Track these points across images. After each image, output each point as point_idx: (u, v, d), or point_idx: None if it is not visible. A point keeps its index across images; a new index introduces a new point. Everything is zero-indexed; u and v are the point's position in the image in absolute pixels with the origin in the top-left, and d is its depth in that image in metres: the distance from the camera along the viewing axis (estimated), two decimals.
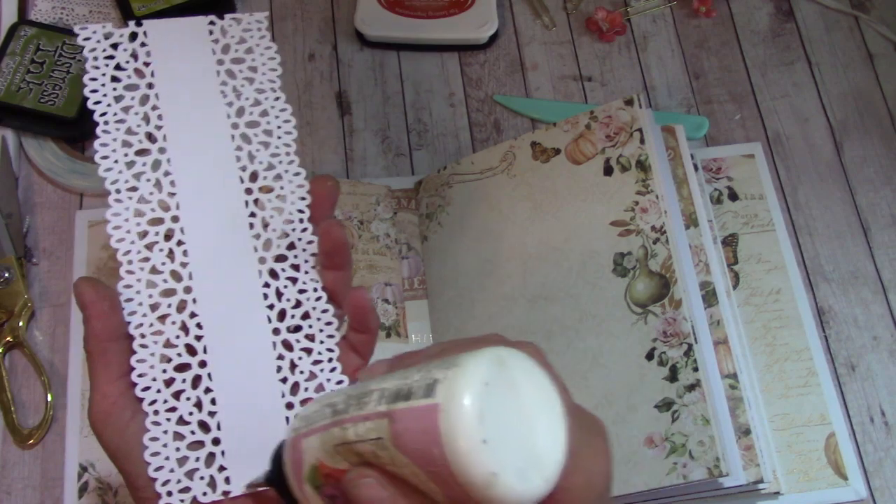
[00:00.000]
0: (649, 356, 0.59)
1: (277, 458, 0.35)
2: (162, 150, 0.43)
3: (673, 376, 0.58)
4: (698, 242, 0.63)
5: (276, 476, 0.35)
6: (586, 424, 0.32)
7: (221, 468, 0.40)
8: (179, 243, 0.41)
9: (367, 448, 0.30)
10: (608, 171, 0.64)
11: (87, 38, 0.45)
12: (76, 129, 0.72)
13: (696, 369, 0.57)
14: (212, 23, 0.46)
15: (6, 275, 0.67)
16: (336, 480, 0.31)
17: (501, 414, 0.27)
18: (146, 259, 0.41)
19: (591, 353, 0.60)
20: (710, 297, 0.62)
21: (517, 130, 0.75)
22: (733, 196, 0.71)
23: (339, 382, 0.42)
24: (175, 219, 0.42)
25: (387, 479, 0.30)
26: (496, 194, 0.68)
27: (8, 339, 0.66)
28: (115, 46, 0.44)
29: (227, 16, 0.46)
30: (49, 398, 0.64)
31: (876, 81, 0.77)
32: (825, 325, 0.68)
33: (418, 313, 0.68)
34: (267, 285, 0.42)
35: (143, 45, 0.45)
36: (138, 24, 0.45)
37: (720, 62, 0.78)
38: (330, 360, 0.42)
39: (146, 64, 0.44)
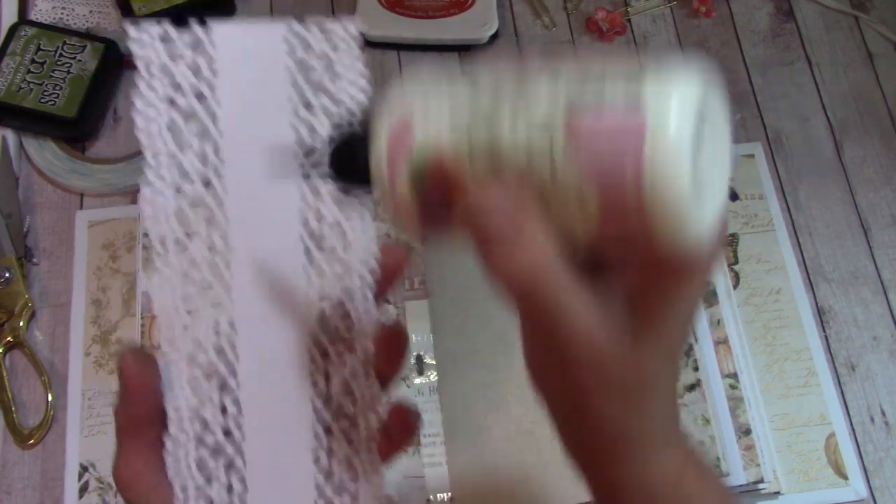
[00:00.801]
0: None
1: (357, 136, 0.29)
2: (219, 203, 0.36)
3: None
4: None
5: (347, 148, 0.30)
6: None
7: None
8: (227, 317, 0.37)
9: (520, 155, 0.26)
10: None
11: (140, 44, 0.37)
12: (76, 129, 0.72)
13: (696, 369, 0.57)
14: (292, 31, 0.38)
15: (6, 275, 0.67)
16: (452, 186, 0.27)
17: (703, 149, 0.25)
18: (188, 328, 0.37)
19: None
20: (710, 296, 0.62)
21: None
22: (733, 196, 0.71)
23: (375, 467, 0.39)
24: (227, 287, 0.37)
25: (530, 196, 0.26)
26: None
27: (8, 339, 0.66)
28: (173, 56, 0.36)
29: (312, 21, 0.37)
30: (49, 398, 0.64)
31: (876, 81, 0.77)
32: (825, 325, 0.68)
33: (418, 313, 0.68)
34: (315, 365, 0.38)
35: (207, 56, 0.37)
36: (202, 21, 0.36)
37: (720, 62, 0.78)
38: (369, 443, 0.40)
39: (209, 83, 0.37)
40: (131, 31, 0.36)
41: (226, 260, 0.37)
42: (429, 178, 0.27)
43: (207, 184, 0.36)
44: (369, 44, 0.79)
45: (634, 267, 0.30)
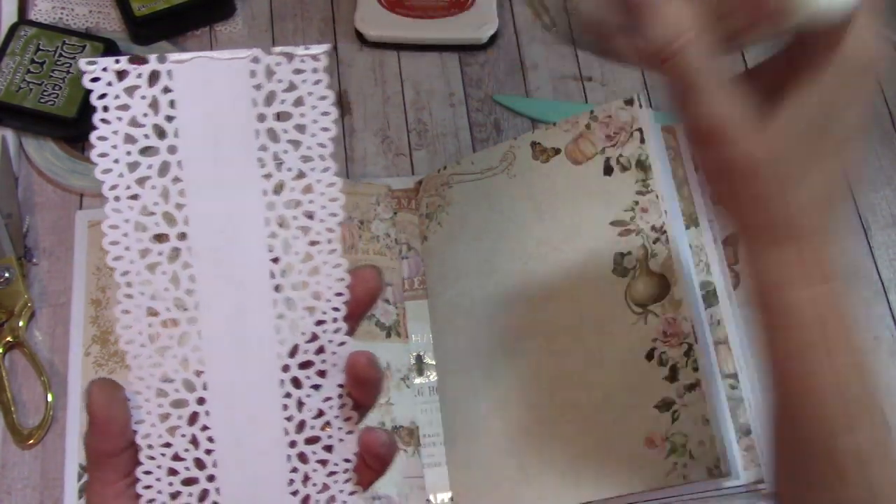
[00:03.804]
0: (649, 356, 0.59)
1: None
2: (182, 236, 0.37)
3: (673, 376, 0.58)
4: (698, 242, 0.63)
5: None
6: None
7: None
8: (195, 349, 0.37)
9: None
10: (608, 170, 0.64)
11: (94, 80, 0.36)
12: (76, 129, 0.72)
13: (696, 369, 0.57)
14: (255, 60, 0.37)
15: (6, 275, 0.67)
16: None
17: None
18: (157, 365, 0.37)
19: (591, 353, 0.60)
20: (710, 297, 0.62)
21: (517, 130, 0.75)
22: None
23: (353, 493, 0.39)
24: (192, 320, 0.37)
25: None
26: (496, 194, 0.68)
27: (8, 339, 0.66)
28: (130, 92, 0.36)
29: (276, 50, 0.37)
30: (49, 398, 0.64)
31: (876, 81, 0.77)
32: None
33: (418, 313, 0.68)
34: (288, 395, 0.38)
35: (166, 90, 0.36)
36: (161, 59, 0.36)
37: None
38: (346, 470, 0.39)
39: (168, 118, 0.36)
40: (85, 66, 0.35)
41: (192, 294, 0.37)
42: None
43: (170, 220, 0.37)
44: (369, 44, 0.79)
45: (771, 57, 0.33)
